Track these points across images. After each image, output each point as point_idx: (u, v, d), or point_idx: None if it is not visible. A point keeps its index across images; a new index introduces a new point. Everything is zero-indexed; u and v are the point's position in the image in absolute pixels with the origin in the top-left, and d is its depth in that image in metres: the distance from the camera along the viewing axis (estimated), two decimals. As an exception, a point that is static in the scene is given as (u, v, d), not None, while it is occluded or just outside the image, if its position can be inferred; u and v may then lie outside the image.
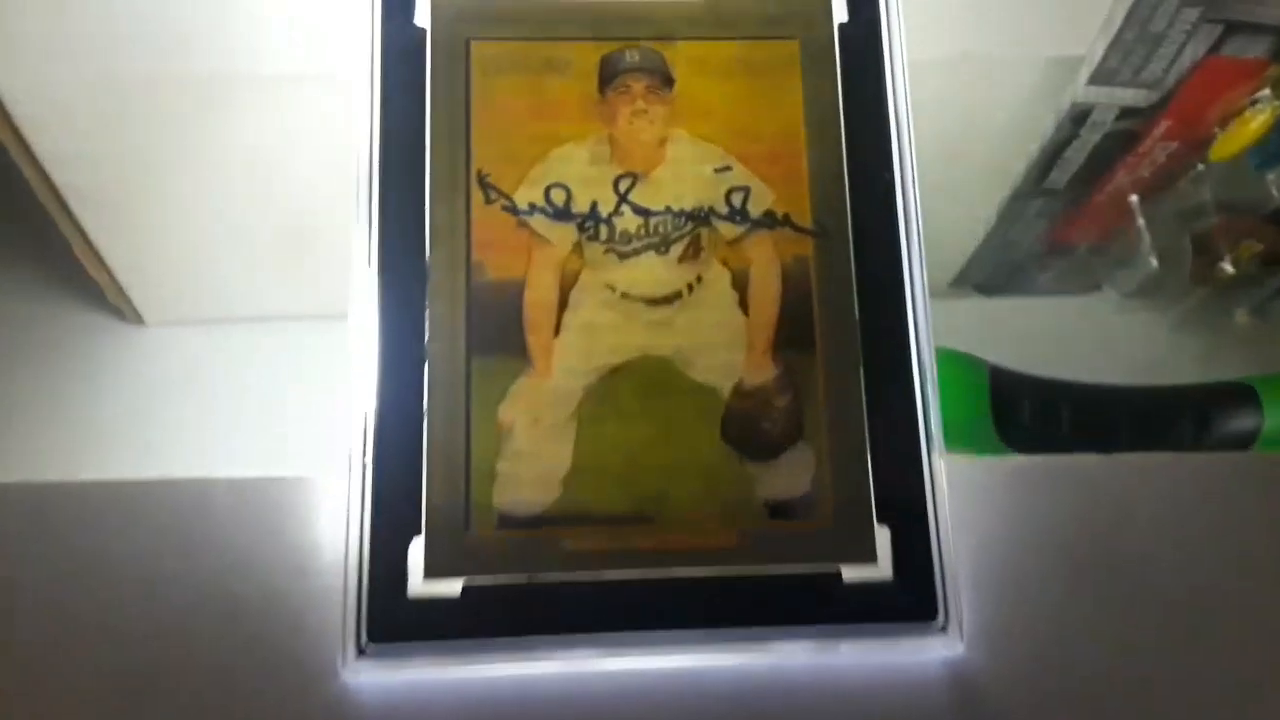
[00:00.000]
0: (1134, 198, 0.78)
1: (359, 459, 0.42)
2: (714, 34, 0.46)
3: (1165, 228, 0.78)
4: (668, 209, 0.45)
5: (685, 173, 0.45)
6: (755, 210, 0.45)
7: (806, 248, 0.45)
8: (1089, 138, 0.70)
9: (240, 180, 0.71)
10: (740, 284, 0.44)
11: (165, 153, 0.69)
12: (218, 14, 0.60)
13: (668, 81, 0.46)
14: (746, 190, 0.45)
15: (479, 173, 0.44)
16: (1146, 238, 0.79)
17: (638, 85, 0.46)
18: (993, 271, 0.87)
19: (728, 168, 0.45)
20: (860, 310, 0.44)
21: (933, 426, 0.43)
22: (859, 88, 0.46)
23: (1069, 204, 0.79)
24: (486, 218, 0.44)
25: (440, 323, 0.43)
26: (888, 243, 0.45)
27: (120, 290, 0.79)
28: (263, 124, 0.66)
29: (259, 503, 0.45)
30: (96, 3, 0.59)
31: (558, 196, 0.44)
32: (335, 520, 0.42)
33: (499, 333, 0.43)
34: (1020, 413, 0.76)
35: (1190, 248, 0.78)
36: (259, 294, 0.81)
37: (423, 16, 0.46)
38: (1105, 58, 0.64)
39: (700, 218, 0.45)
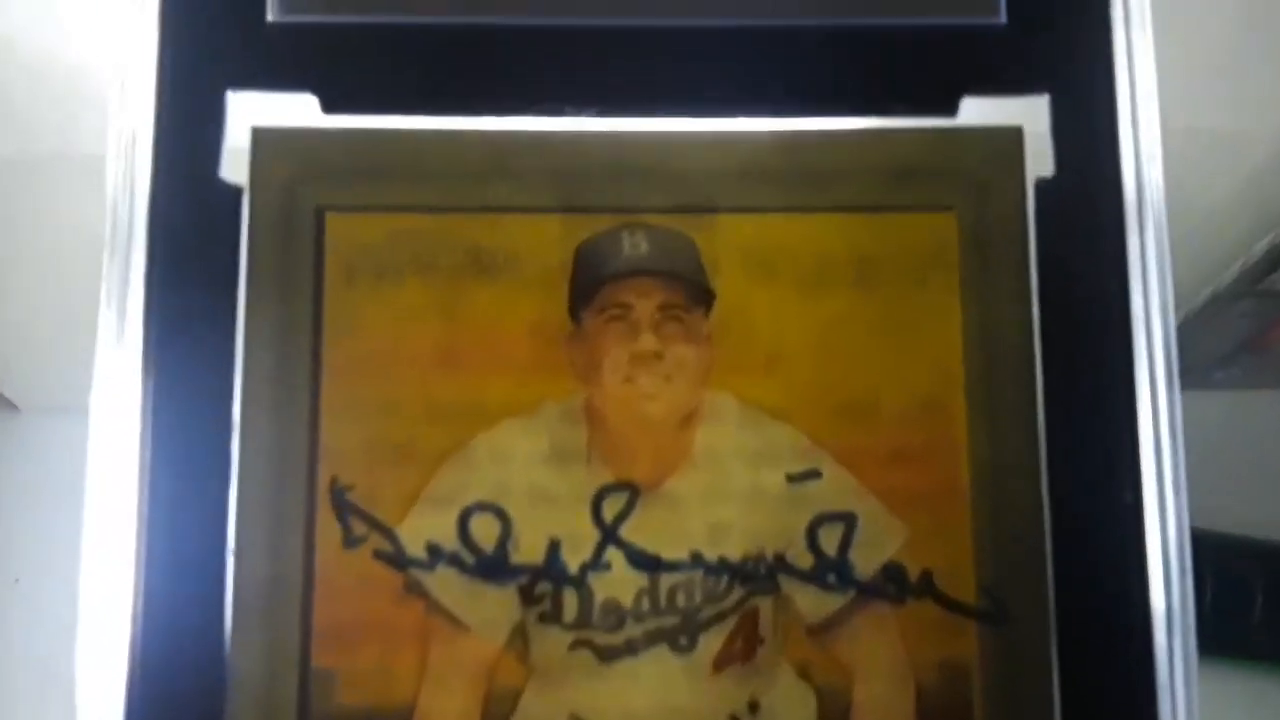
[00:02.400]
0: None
1: None
2: (790, 200, 0.24)
3: None
4: (696, 557, 0.23)
5: (731, 482, 0.23)
6: (867, 563, 0.23)
7: (968, 644, 0.23)
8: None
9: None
10: (836, 716, 0.23)
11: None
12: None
13: (700, 296, 0.24)
14: (849, 520, 0.23)
15: (333, 482, 0.23)
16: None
17: (645, 304, 0.24)
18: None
19: (814, 473, 0.23)
20: (1072, 777, 0.22)
21: None
22: (1075, 305, 0.24)
23: (1288, 306, 0.57)
24: (343, 572, 0.23)
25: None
26: (1131, 639, 0.23)
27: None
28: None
29: None
30: None
31: (484, 530, 0.23)
32: None
33: (357, 824, 0.22)
34: (1202, 593, 0.53)
35: None
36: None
37: (236, 163, 0.24)
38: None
39: (758, 576, 0.23)
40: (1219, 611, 0.53)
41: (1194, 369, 0.69)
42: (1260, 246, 0.52)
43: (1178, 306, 0.57)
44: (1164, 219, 0.24)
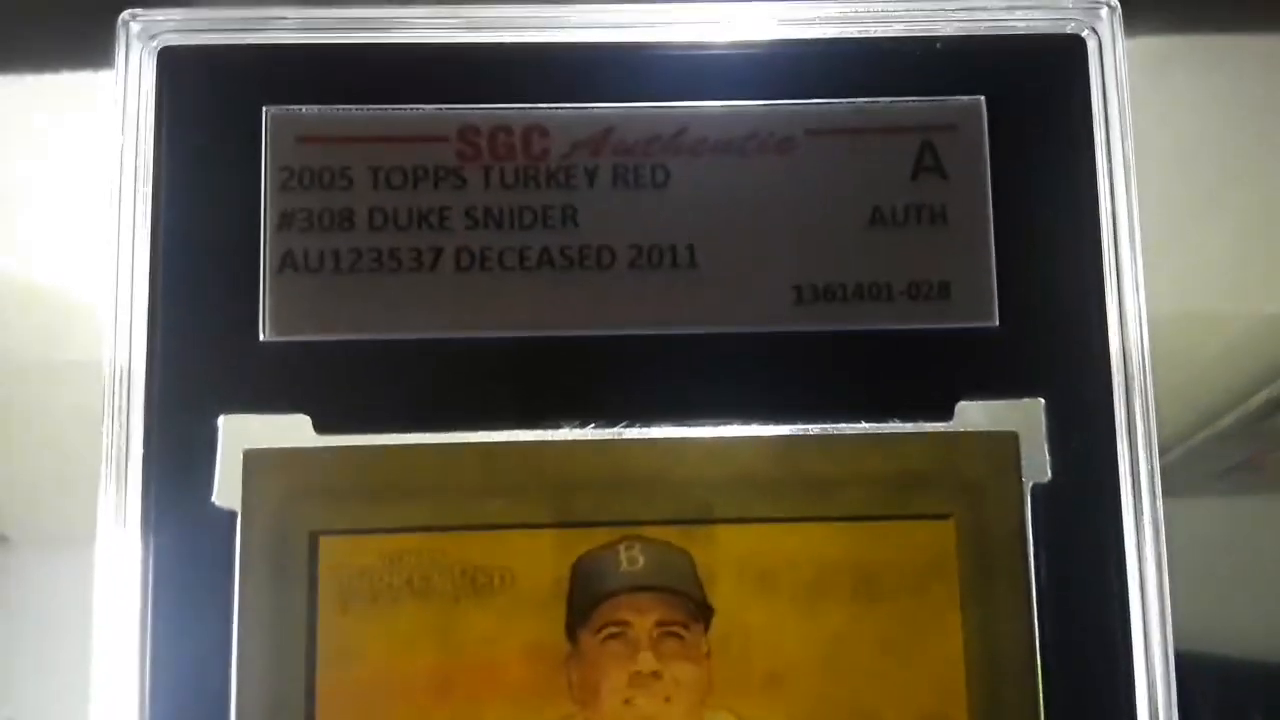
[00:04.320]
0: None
1: None
2: (788, 510, 0.24)
3: None
4: None
5: (735, 810, 0.23)
6: None
7: None
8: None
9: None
10: None
11: None
12: None
13: (698, 611, 0.24)
14: None
15: (328, 819, 0.23)
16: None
17: (643, 622, 0.23)
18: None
19: (818, 798, 0.23)
20: None
21: None
22: (1076, 613, 0.24)
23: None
24: None
25: None
26: None
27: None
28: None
29: None
30: None
31: None
32: None
33: None
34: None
35: None
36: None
37: (228, 487, 0.24)
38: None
39: None
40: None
41: (1188, 483, 0.70)
42: (1256, 400, 0.52)
43: (1172, 445, 0.57)
44: (1162, 525, 0.24)
